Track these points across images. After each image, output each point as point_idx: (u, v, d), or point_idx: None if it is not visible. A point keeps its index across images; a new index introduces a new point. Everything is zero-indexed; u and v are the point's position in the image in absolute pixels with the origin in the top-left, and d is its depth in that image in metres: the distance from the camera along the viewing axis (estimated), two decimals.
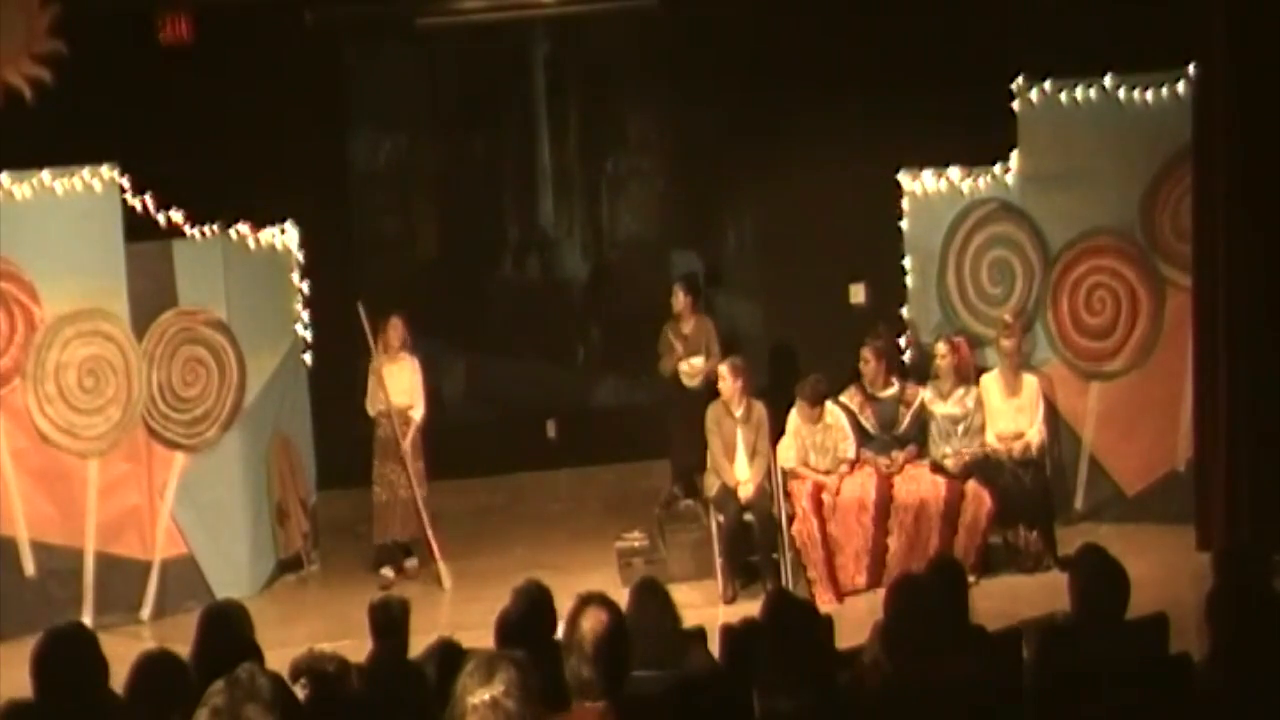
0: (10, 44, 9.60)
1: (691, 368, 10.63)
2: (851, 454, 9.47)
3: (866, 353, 9.69)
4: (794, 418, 9.52)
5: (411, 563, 10.24)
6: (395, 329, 10.10)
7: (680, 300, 10.80)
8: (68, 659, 4.70)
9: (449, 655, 5.64)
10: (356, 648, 6.47)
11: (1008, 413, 9.66)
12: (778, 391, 10.07)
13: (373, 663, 6.00)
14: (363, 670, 5.95)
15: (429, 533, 9.99)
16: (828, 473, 9.37)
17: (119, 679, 4.86)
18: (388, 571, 10.11)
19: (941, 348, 9.74)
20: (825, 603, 8.72)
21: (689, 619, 6.09)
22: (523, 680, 3.31)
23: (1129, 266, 10.13)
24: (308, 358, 10.66)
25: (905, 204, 10.59)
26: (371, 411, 10.12)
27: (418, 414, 10.17)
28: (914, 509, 9.29)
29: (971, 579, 6.77)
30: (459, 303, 12.33)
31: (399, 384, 10.06)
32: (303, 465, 10.60)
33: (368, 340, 10.04)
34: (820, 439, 9.47)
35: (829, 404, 9.53)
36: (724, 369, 9.63)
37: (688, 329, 10.76)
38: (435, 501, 10.28)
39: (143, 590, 9.67)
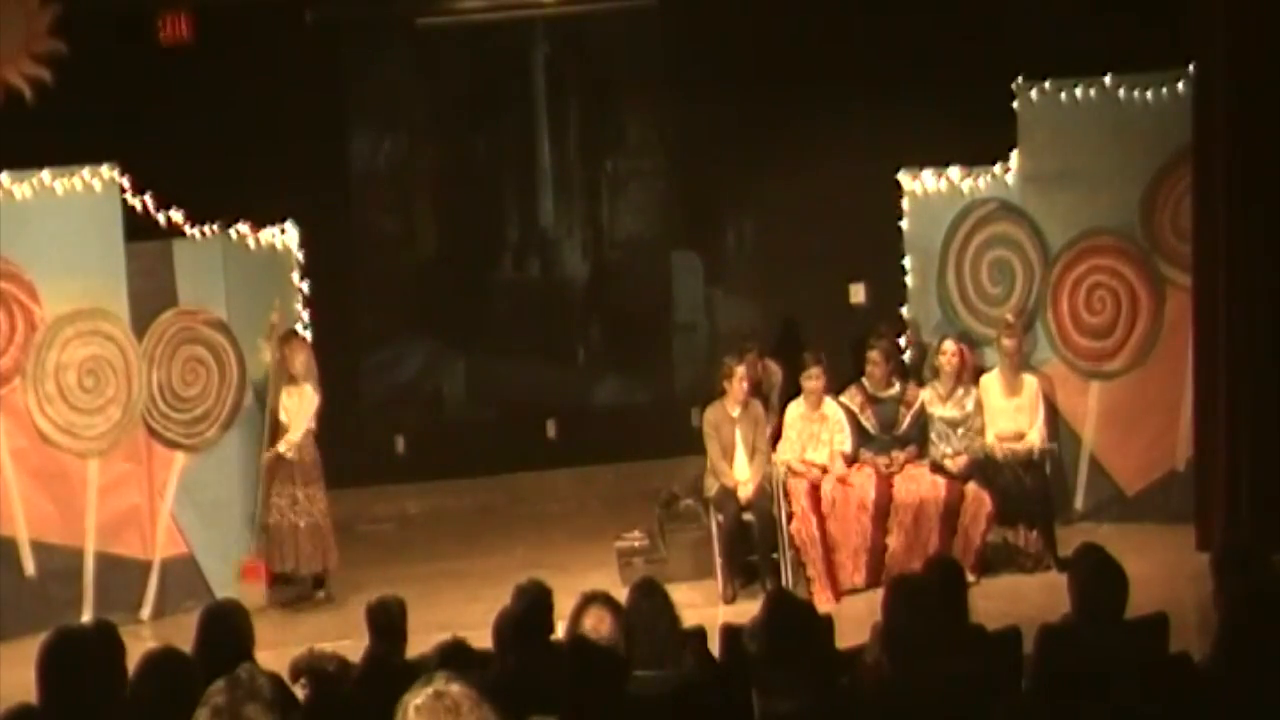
0: (10, 44, 9.60)
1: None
2: (848, 447, 9.48)
3: (875, 354, 9.66)
4: (792, 410, 9.54)
5: (320, 594, 9.82)
6: (294, 353, 9.72)
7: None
8: (84, 661, 4.63)
9: (457, 655, 5.64)
10: (356, 648, 6.49)
11: (1008, 412, 9.66)
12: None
13: (366, 664, 6.00)
14: (356, 672, 5.95)
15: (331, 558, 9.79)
16: (824, 469, 9.38)
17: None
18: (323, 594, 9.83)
19: (950, 346, 9.72)
20: (824, 602, 8.72)
21: (689, 619, 6.09)
22: (464, 677, 3.19)
23: (1129, 266, 10.13)
24: None
25: (905, 204, 10.59)
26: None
27: (289, 438, 9.63)
28: (913, 509, 9.29)
29: (971, 579, 6.79)
30: (459, 303, 12.31)
31: (288, 405, 9.72)
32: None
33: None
34: (817, 429, 9.48)
35: (827, 398, 9.55)
36: (740, 369, 9.59)
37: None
38: (434, 502, 10.26)
39: (143, 590, 9.66)
